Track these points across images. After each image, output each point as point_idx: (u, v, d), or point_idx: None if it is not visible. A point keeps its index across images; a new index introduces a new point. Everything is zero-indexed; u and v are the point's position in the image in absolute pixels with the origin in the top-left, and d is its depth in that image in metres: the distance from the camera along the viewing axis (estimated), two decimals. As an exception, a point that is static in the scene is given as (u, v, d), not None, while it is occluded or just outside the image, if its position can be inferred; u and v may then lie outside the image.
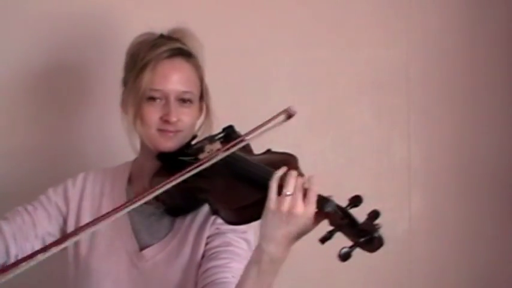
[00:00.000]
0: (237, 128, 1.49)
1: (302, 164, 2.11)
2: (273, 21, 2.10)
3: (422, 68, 2.30)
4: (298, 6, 2.14)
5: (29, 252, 1.39)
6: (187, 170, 1.26)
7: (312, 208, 1.14)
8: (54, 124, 1.91)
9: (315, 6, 2.17)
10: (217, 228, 1.41)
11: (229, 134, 1.48)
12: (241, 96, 2.03)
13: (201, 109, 1.51)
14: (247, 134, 1.33)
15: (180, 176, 1.26)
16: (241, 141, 1.34)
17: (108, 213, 1.25)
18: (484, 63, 2.38)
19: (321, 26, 2.17)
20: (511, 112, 2.41)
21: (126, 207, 1.25)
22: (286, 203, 1.14)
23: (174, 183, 1.25)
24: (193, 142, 1.49)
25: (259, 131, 1.31)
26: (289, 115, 1.32)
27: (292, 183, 1.15)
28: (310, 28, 2.15)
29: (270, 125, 1.31)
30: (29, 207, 1.49)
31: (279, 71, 2.11)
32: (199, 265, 1.40)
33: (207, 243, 1.41)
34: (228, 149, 1.32)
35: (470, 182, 2.38)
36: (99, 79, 1.91)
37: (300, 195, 1.14)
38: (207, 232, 1.42)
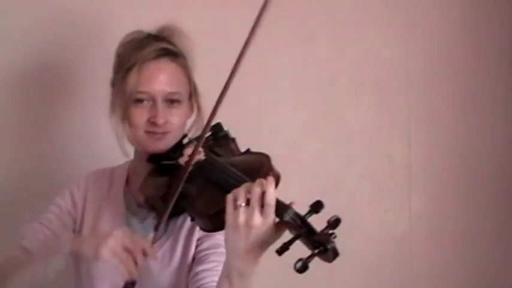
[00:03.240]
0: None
1: (302, 164, 2.14)
2: (272, 21, 2.09)
3: (422, 68, 2.30)
4: (298, 6, 2.13)
5: None
6: (178, 180, 1.26)
7: (271, 218, 1.09)
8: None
9: (315, 5, 2.16)
10: None
11: (216, 132, 1.47)
12: (241, 96, 2.03)
13: (191, 108, 1.50)
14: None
15: (176, 190, 1.26)
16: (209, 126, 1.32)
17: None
18: (484, 63, 2.38)
19: (321, 26, 2.17)
20: (511, 112, 2.41)
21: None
22: (242, 215, 1.09)
23: (174, 198, 1.26)
24: (184, 141, 1.48)
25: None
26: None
27: (242, 194, 1.10)
28: (310, 28, 2.15)
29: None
30: (45, 221, 1.50)
31: (279, 71, 2.11)
32: (190, 268, 1.39)
33: (197, 246, 1.40)
34: (198, 145, 1.31)
35: (471, 182, 2.37)
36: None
37: (255, 207, 1.08)
38: (197, 234, 1.41)
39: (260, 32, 2.06)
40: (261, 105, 2.05)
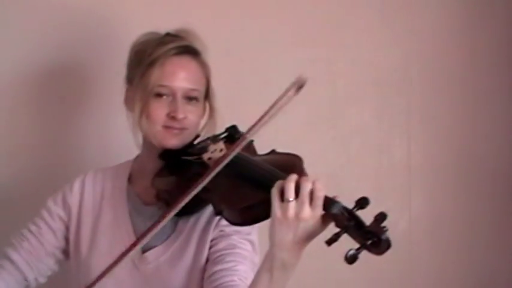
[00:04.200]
0: (239, 128, 1.48)
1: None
2: (273, 21, 2.10)
3: (422, 68, 2.30)
4: (299, 6, 2.14)
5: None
6: (205, 175, 1.24)
7: (319, 211, 1.12)
8: (54, 124, 1.91)
9: (315, 6, 2.17)
10: (221, 231, 1.40)
11: (232, 134, 1.48)
12: (241, 96, 2.03)
13: (204, 108, 1.51)
14: (255, 124, 1.29)
15: (199, 184, 1.24)
16: (249, 135, 1.31)
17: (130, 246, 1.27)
18: (484, 63, 2.38)
19: (321, 26, 2.17)
20: (511, 112, 2.41)
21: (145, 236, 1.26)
22: (291, 209, 1.11)
23: (195, 191, 1.24)
24: (196, 141, 1.48)
25: (269, 113, 1.28)
26: (300, 85, 1.26)
27: (292, 188, 1.12)
28: (310, 28, 2.15)
29: (281, 102, 1.27)
30: (33, 228, 1.51)
31: (279, 71, 2.11)
32: (204, 269, 1.39)
33: (211, 247, 1.40)
34: (238, 145, 1.30)
35: (470, 181, 2.37)
36: (100, 79, 1.90)
37: (306, 200, 1.11)
38: (211, 235, 1.40)
39: (260, 32, 2.08)
40: (261, 105, 2.05)
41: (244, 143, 1.30)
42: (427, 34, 2.31)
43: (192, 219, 1.43)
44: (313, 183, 1.13)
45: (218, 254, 1.38)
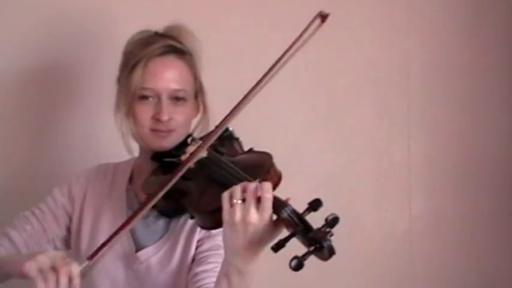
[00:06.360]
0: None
1: (302, 164, 2.14)
2: (272, 21, 2.10)
3: (422, 68, 2.30)
4: (298, 6, 2.13)
5: None
6: (173, 175, 1.25)
7: (267, 214, 1.10)
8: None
9: (315, 5, 2.16)
10: (207, 231, 1.40)
11: (221, 132, 1.47)
12: (240, 96, 2.03)
13: (197, 107, 1.49)
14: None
15: (168, 183, 1.25)
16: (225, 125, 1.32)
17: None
18: (484, 63, 2.38)
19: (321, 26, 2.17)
20: (511, 112, 2.41)
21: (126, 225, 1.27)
22: (238, 211, 1.10)
23: (163, 192, 1.25)
24: (188, 141, 1.48)
25: (295, 46, 1.27)
26: (323, 17, 1.27)
27: (238, 191, 1.11)
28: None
29: (305, 36, 1.28)
30: (37, 212, 1.50)
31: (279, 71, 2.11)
32: (190, 268, 1.39)
33: (197, 247, 1.40)
34: (203, 143, 1.30)
35: (470, 182, 2.37)
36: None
37: (251, 202, 1.09)
38: (197, 235, 1.41)
39: (260, 32, 2.08)
40: (261, 105, 2.05)
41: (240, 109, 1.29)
42: (427, 34, 2.31)
43: (183, 219, 1.43)
44: (261, 186, 1.11)
45: (202, 254, 1.38)
